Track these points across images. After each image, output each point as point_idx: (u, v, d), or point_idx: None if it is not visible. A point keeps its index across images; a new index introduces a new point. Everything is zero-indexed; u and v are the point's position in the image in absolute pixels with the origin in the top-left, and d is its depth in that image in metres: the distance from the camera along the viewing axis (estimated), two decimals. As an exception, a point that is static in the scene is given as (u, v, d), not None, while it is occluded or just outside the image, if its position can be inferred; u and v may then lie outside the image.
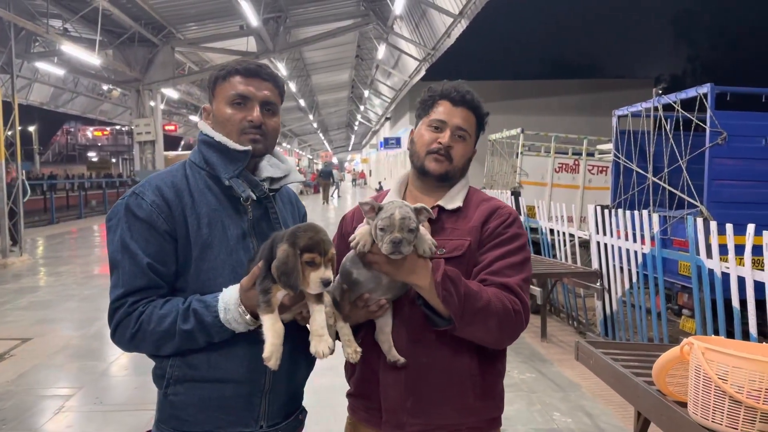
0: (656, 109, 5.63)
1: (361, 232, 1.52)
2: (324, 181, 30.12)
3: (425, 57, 15.53)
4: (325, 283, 1.38)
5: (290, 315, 1.49)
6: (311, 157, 63.70)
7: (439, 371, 1.62)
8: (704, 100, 4.89)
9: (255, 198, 1.59)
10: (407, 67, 18.43)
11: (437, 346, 1.62)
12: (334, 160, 61.59)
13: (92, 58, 11.83)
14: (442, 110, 1.72)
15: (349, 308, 1.60)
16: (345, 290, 1.60)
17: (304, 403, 1.77)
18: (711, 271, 4.18)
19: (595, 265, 5.79)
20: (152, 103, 14.51)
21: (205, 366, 1.53)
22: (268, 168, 1.65)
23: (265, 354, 1.37)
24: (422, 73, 16.83)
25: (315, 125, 39.34)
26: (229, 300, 1.46)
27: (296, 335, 1.49)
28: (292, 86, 20.41)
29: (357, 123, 42.39)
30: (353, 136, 56.57)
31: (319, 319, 1.42)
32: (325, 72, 23.75)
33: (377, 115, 33.24)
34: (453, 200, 1.72)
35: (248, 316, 1.44)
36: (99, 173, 44.33)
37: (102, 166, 49.36)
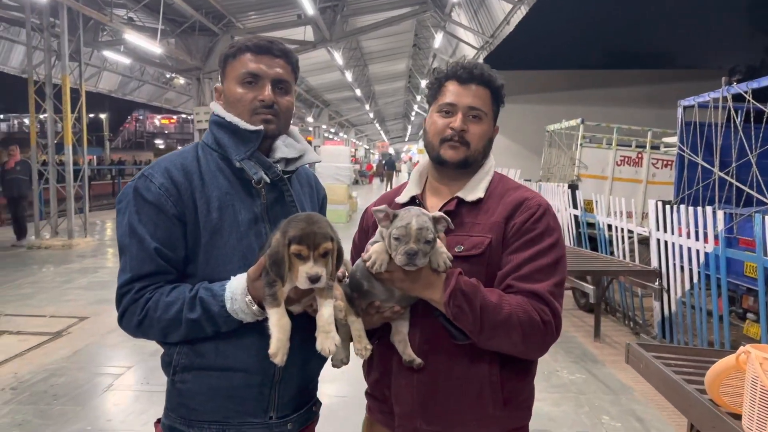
0: (725, 99, 5.29)
1: (375, 249, 1.46)
2: (389, 171, 30.96)
3: (483, 45, 15.24)
4: (312, 279, 1.33)
5: (300, 307, 1.46)
6: (368, 147, 64.07)
7: (455, 376, 1.54)
8: (779, 90, 4.55)
9: (268, 180, 1.55)
10: (465, 55, 18.16)
11: (453, 350, 1.53)
12: (391, 151, 61.67)
13: (154, 47, 12.18)
14: (450, 92, 1.61)
15: (362, 314, 1.54)
16: (355, 297, 1.54)
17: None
18: (780, 274, 3.89)
19: (654, 264, 5.54)
20: (212, 92, 14.83)
21: (212, 354, 1.50)
22: (282, 148, 1.60)
23: (271, 350, 1.34)
24: (481, 61, 16.53)
25: (371, 115, 39.43)
26: (236, 289, 1.42)
27: (307, 325, 1.44)
28: (349, 76, 20.46)
29: (414, 113, 42.21)
30: (410, 127, 56.36)
31: (326, 313, 1.38)
32: (382, 62, 23.71)
33: (435, 105, 32.99)
34: (474, 191, 1.62)
35: (255, 307, 1.41)
36: (165, 160, 45.73)
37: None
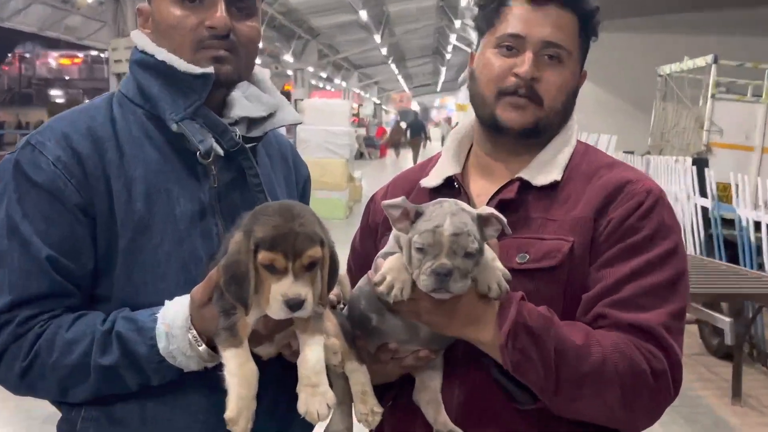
0: None
1: (391, 266, 1.46)
2: (415, 139, 31.18)
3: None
4: (292, 304, 1.33)
5: (273, 348, 1.48)
6: (378, 101, 64.29)
7: None
8: None
9: (221, 153, 1.56)
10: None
11: (512, 418, 1.55)
12: (414, 106, 61.79)
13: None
14: (516, 17, 1.62)
15: (369, 361, 1.56)
16: (358, 336, 1.56)
17: None
18: None
19: (828, 284, 5.52)
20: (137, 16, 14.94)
21: (137, 420, 1.52)
22: (242, 103, 1.62)
23: (229, 413, 1.34)
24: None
25: (384, 51, 39.49)
26: (173, 320, 1.43)
27: (284, 376, 1.46)
28: (350, -11, 20.53)
29: (450, 48, 42.25)
30: (443, 70, 56.47)
31: (312, 357, 1.39)
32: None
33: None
34: (546, 169, 1.63)
35: (203, 347, 1.42)
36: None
37: (70, 111, 51.68)
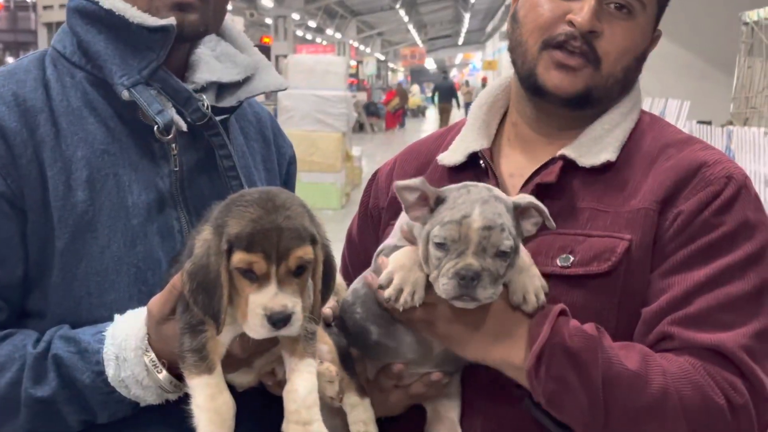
0: None
1: (398, 262, 1.48)
2: (445, 104, 32.09)
3: None
4: (276, 319, 1.33)
5: (251, 376, 1.50)
6: (383, 58, 64.33)
7: None
8: None
9: (184, 127, 1.56)
10: None
11: None
12: (429, 64, 61.66)
13: None
14: None
15: (368, 384, 1.60)
16: (355, 357, 1.59)
17: None
18: None
19: None
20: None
21: None
22: (212, 64, 1.64)
23: None
24: None
25: (391, -6, 39.61)
26: (125, 339, 1.44)
27: (267, 410, 1.49)
28: None
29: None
30: (467, 16, 56.51)
31: (301, 387, 1.40)
32: None
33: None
34: (597, 146, 1.65)
35: (164, 374, 1.43)
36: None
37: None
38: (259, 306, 1.33)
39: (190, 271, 1.36)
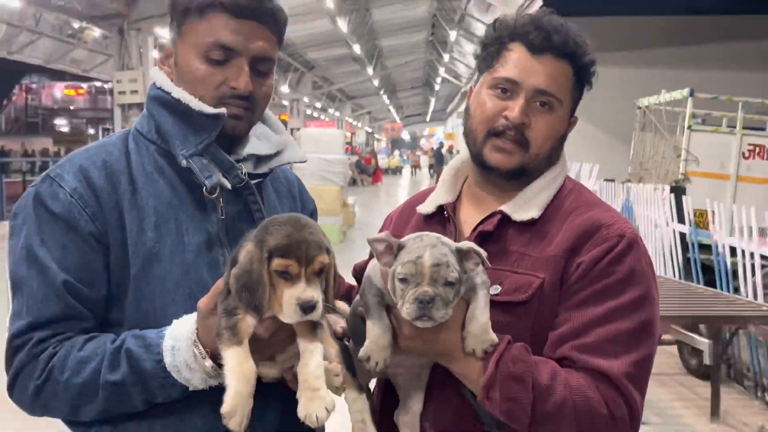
0: None
1: (373, 337, 1.49)
2: (438, 167, 32.62)
3: (543, -20, 15.36)
4: (305, 307, 1.35)
5: (276, 370, 1.47)
6: (370, 130, 64.34)
7: None
8: None
9: (228, 186, 1.57)
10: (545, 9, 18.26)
11: None
12: (405, 136, 61.78)
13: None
14: (514, 61, 1.63)
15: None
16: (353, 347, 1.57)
17: None
18: None
19: (800, 307, 5.54)
20: (141, 50, 15.00)
21: None
22: (253, 142, 1.65)
23: (225, 408, 1.33)
24: (538, 3, 16.63)
25: (377, 83, 39.69)
26: (179, 334, 1.44)
27: (289, 398, 1.44)
28: (343, 25, 20.62)
29: (439, 81, 42.45)
30: (433, 101, 56.68)
31: (311, 363, 1.39)
32: (393, 4, 23.86)
33: (468, 68, 33.04)
34: (526, 206, 1.64)
35: (208, 361, 1.42)
36: (71, 148, 46.38)
37: (75, 139, 51.46)
38: (293, 297, 1.34)
39: (237, 275, 1.36)
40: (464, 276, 1.45)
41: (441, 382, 1.58)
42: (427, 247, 1.42)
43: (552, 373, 1.47)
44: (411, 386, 1.60)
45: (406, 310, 1.41)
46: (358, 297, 1.61)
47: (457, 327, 1.48)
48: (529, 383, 1.44)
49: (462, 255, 1.45)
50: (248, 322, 1.39)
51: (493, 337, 1.47)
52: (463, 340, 1.48)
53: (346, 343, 1.63)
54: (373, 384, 1.77)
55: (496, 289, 1.55)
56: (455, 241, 1.55)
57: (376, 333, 1.48)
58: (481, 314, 1.47)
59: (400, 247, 1.46)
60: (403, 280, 1.42)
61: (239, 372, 1.35)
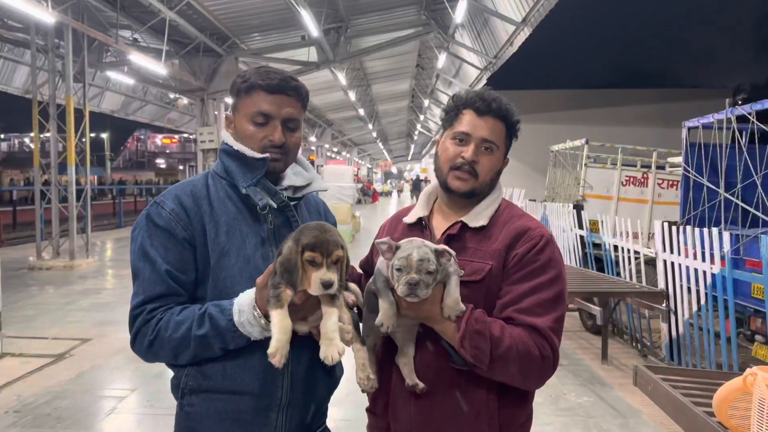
0: (729, 120, 5.36)
1: (384, 311, 1.50)
2: (416, 191, 32.18)
3: (487, 66, 15.42)
4: (326, 284, 1.36)
5: (307, 327, 1.48)
6: (370, 166, 64.22)
7: (452, 400, 1.57)
8: (783, 111, 4.62)
9: (275, 206, 1.59)
10: (468, 76, 18.36)
11: (452, 374, 1.56)
12: (393, 170, 61.79)
13: (159, 68, 12.34)
14: (466, 121, 1.63)
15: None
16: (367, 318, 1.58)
17: None
18: (788, 295, 3.92)
19: (661, 285, 5.56)
20: (216, 112, 15.01)
21: (219, 376, 1.52)
22: (290, 176, 1.66)
23: (270, 350, 1.35)
24: (483, 81, 16.70)
25: (374, 134, 39.69)
26: (243, 302, 1.45)
27: (316, 347, 1.45)
28: (352, 95, 20.64)
29: (417, 132, 42.46)
30: (413, 146, 56.71)
31: (329, 322, 1.40)
32: (386, 81, 23.93)
33: (437, 124, 33.11)
34: (477, 217, 1.64)
35: (263, 319, 1.42)
36: (167, 179, 46.39)
37: (169, 173, 51.54)
38: (318, 278, 1.36)
39: (281, 261, 1.38)
40: (440, 268, 1.46)
41: (426, 336, 1.58)
42: (415, 248, 1.44)
43: (501, 328, 1.48)
44: (406, 338, 1.60)
45: (400, 289, 1.43)
46: (371, 280, 1.60)
47: (437, 300, 1.49)
48: (487, 336, 1.45)
49: (438, 254, 1.46)
50: (288, 293, 1.39)
51: (462, 307, 1.49)
52: (441, 310, 1.49)
53: (355, 311, 1.63)
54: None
55: (460, 272, 1.55)
56: (431, 241, 1.56)
57: (386, 307, 1.50)
58: (453, 291, 1.49)
59: (397, 248, 1.48)
60: (398, 270, 1.44)
61: (280, 326, 1.37)
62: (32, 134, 11.29)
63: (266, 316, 1.41)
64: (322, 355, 1.37)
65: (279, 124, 1.59)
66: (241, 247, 1.55)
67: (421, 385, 1.57)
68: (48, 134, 11.24)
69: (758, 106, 4.94)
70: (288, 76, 1.62)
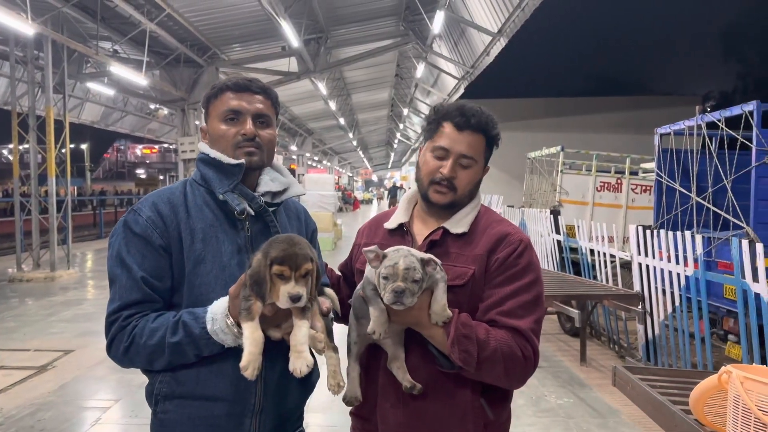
0: (699, 127, 5.47)
1: (375, 318, 1.50)
2: (393, 198, 31.85)
3: (464, 75, 15.55)
4: (294, 298, 1.35)
5: (280, 333, 1.46)
6: (351, 175, 64.19)
7: (439, 401, 1.58)
8: (750, 118, 4.72)
9: (252, 212, 1.58)
10: (446, 85, 18.48)
11: (438, 375, 1.58)
12: (374, 178, 61.86)
13: (140, 79, 12.23)
14: (446, 135, 1.63)
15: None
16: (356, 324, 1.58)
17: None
18: (758, 296, 4.00)
19: (636, 288, 5.62)
20: (197, 122, 14.90)
21: (193, 382, 1.52)
22: (267, 182, 1.65)
23: (242, 363, 1.34)
24: (461, 91, 16.83)
25: (355, 143, 39.68)
26: (217, 310, 1.45)
27: (287, 356, 1.44)
28: (332, 105, 20.63)
29: (396, 141, 42.58)
30: (392, 154, 56.80)
31: (299, 334, 1.40)
32: (365, 91, 23.97)
33: (416, 133, 33.27)
34: (459, 224, 1.65)
35: (236, 328, 1.42)
36: (147, 189, 45.84)
37: (150, 183, 50.86)
38: (285, 292, 1.35)
39: (250, 274, 1.37)
40: (426, 276, 1.47)
41: (414, 342, 1.59)
42: (401, 257, 1.44)
43: (485, 331, 1.49)
44: (396, 343, 1.60)
45: (386, 297, 1.43)
46: (359, 286, 1.60)
47: (425, 307, 1.49)
48: (474, 339, 1.47)
49: (424, 262, 1.47)
50: (258, 306, 1.38)
51: (449, 313, 1.50)
52: (429, 316, 1.50)
53: (331, 316, 1.62)
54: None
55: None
56: (413, 247, 1.57)
57: (377, 314, 1.49)
58: (441, 298, 1.50)
59: (384, 256, 1.48)
60: (385, 278, 1.44)
61: (252, 338, 1.36)
62: (11, 146, 11.09)
63: (239, 325, 1.41)
64: (291, 367, 1.37)
65: (249, 118, 1.60)
66: (216, 254, 1.54)
67: (418, 386, 1.57)
68: (27, 146, 11.07)
69: (727, 113, 5.04)
70: (256, 79, 1.65)
